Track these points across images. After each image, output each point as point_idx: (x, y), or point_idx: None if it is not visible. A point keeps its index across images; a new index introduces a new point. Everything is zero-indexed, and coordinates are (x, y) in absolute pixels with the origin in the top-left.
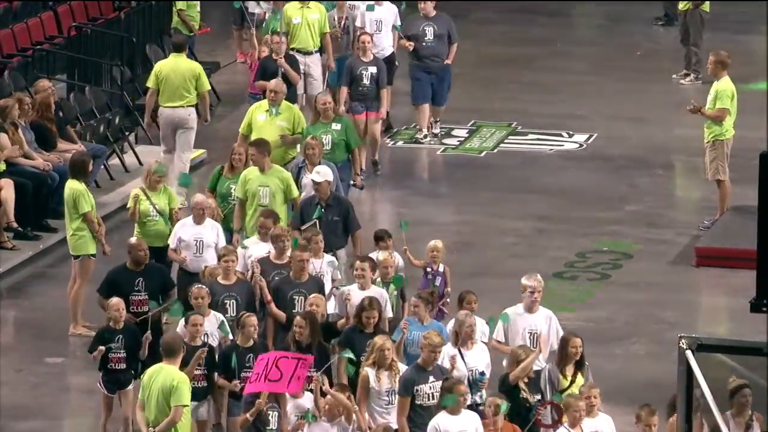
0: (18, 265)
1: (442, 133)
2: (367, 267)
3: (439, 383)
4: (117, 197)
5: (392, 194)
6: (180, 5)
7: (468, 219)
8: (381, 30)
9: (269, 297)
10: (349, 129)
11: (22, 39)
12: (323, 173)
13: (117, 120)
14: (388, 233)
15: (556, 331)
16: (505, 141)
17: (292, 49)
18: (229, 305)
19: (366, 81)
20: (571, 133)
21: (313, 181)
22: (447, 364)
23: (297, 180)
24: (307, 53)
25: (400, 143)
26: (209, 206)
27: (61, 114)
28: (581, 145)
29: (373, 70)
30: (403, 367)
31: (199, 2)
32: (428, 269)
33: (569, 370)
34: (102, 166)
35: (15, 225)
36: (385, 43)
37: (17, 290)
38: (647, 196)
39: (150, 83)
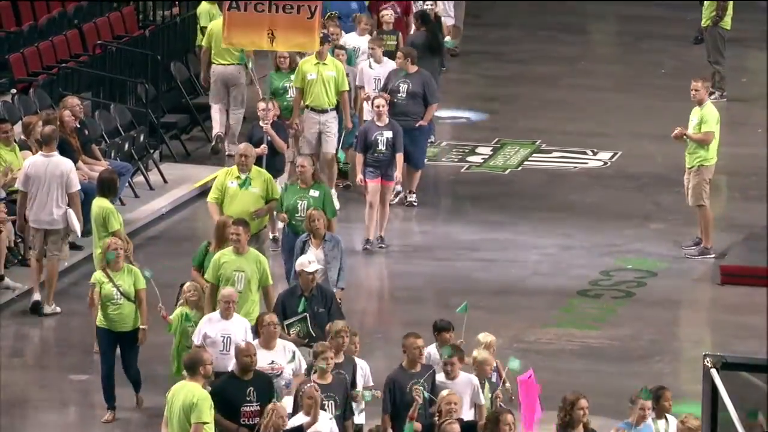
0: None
1: (464, 152)
2: (456, 360)
3: None
4: (141, 215)
5: (416, 211)
6: (203, 22)
7: (492, 237)
8: (380, 88)
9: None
10: (327, 197)
11: (48, 57)
12: (315, 263)
13: (141, 138)
14: (451, 324)
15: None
16: (530, 159)
17: (307, 106)
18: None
19: (382, 147)
20: (595, 150)
21: (303, 271)
22: None
23: (301, 255)
24: (322, 111)
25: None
26: (235, 300)
27: (86, 132)
28: (605, 163)
29: (388, 134)
30: None
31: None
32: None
33: None
34: (126, 184)
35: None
36: None
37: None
38: (671, 214)
39: (204, 42)
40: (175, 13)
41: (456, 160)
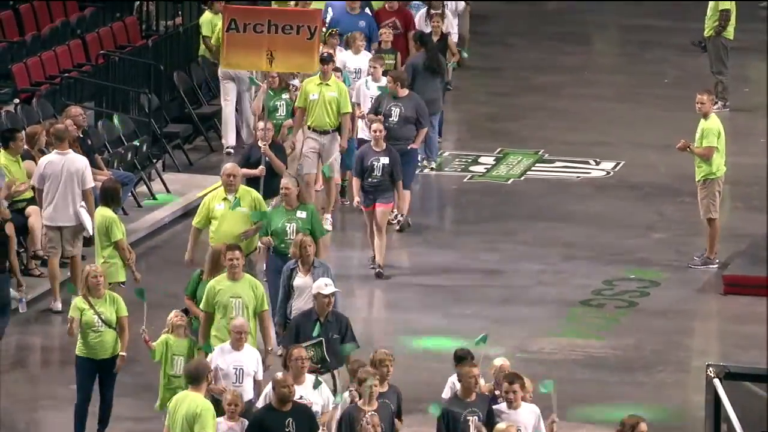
0: (46, 292)
1: (467, 162)
2: (518, 387)
3: None
4: (144, 224)
5: (419, 220)
6: (206, 32)
7: (495, 246)
8: (368, 110)
9: None
10: (315, 218)
11: (51, 67)
12: (332, 285)
13: (144, 147)
14: (471, 354)
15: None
16: (532, 168)
17: (308, 127)
18: None
19: (377, 172)
20: (598, 160)
21: (319, 294)
22: None
23: (289, 282)
24: (323, 132)
25: (426, 171)
26: (247, 331)
27: (89, 141)
28: (608, 173)
29: (385, 160)
30: None
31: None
32: (497, 392)
33: None
34: (129, 194)
35: (42, 252)
36: None
37: (45, 317)
38: (674, 223)
39: (214, 42)
40: (178, 23)
41: (459, 169)
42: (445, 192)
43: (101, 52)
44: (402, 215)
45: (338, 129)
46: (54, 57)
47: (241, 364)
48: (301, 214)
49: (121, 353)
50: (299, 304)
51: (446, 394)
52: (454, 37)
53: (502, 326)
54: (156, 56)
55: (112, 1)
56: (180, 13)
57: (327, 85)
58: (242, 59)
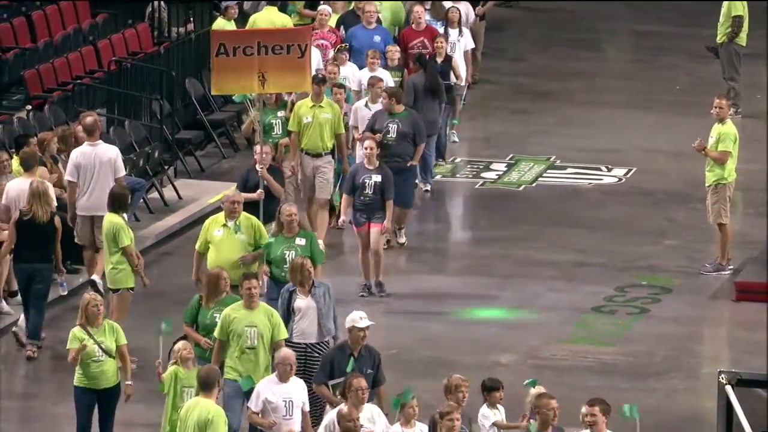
0: (57, 299)
1: (479, 168)
2: (598, 411)
3: None
4: (155, 231)
5: (431, 227)
6: None
7: (506, 253)
8: (365, 128)
9: None
10: (315, 245)
11: (63, 73)
12: (366, 318)
13: (156, 154)
14: (501, 383)
15: None
16: (544, 175)
17: (302, 150)
18: None
19: (369, 190)
20: (609, 167)
21: (354, 327)
22: None
23: (288, 306)
24: (316, 155)
25: (438, 177)
26: (294, 362)
27: None
28: (620, 179)
29: (377, 178)
30: None
31: None
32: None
33: None
34: (141, 200)
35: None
36: None
37: (56, 323)
38: (686, 230)
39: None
40: (190, 29)
41: (470, 176)
42: (456, 198)
43: (113, 58)
44: (395, 230)
45: (332, 152)
46: (66, 63)
47: (290, 396)
48: (301, 242)
49: (127, 383)
50: (302, 326)
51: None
52: (477, 52)
53: (514, 332)
54: (168, 63)
55: (124, 7)
56: (192, 19)
57: (320, 107)
58: (233, 83)
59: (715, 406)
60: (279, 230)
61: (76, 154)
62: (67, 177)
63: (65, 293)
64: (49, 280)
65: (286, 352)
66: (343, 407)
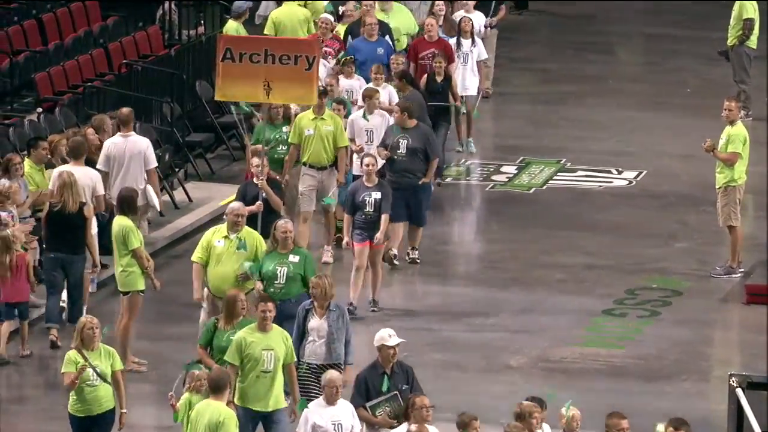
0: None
1: (489, 171)
2: (626, 423)
3: None
4: (166, 233)
5: (441, 230)
6: None
7: (517, 255)
8: (372, 140)
9: None
10: (308, 262)
11: (73, 76)
12: (395, 336)
13: (167, 156)
14: (544, 402)
15: None
16: (554, 177)
17: (304, 163)
18: None
19: (369, 208)
20: (620, 169)
21: (384, 345)
22: None
23: (303, 324)
24: (321, 168)
25: (448, 180)
26: (341, 384)
27: None
28: (630, 182)
29: (377, 195)
30: None
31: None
32: None
33: None
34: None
35: None
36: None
37: (66, 326)
38: (696, 233)
39: (267, 30)
40: (201, 32)
41: (481, 178)
42: (466, 201)
43: (124, 61)
44: (390, 249)
45: (335, 164)
46: (77, 66)
47: (339, 420)
48: (294, 258)
49: (122, 411)
50: (313, 348)
51: None
52: (489, 62)
53: (524, 336)
54: (178, 65)
55: (134, 10)
56: (203, 22)
57: (322, 119)
58: (238, 90)
59: (726, 410)
60: (273, 246)
61: (108, 144)
62: (98, 166)
63: (95, 291)
64: (82, 270)
65: (332, 374)
66: (413, 427)
